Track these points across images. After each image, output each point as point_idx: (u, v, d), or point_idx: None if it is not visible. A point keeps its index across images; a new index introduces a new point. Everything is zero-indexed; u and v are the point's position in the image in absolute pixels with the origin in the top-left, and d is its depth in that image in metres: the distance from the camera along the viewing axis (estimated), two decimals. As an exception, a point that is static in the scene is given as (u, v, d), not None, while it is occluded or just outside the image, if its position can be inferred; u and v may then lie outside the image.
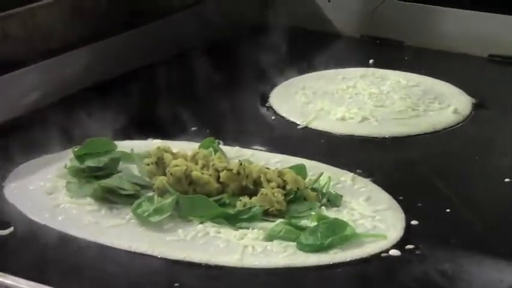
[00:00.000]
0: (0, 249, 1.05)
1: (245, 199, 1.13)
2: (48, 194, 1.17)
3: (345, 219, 1.11)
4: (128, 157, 1.23)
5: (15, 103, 1.39)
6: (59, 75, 1.46)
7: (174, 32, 1.72)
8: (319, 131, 1.43)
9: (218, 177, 1.16)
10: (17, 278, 0.95)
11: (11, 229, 1.08)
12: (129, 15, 1.65)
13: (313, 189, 1.17)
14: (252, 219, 1.10)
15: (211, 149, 1.24)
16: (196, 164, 1.17)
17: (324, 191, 1.17)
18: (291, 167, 1.20)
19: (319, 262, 1.04)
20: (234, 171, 1.14)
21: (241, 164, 1.15)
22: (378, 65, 1.72)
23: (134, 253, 1.05)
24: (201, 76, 1.61)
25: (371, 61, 1.74)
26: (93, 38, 1.55)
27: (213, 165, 1.16)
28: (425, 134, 1.43)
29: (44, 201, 1.15)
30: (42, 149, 1.28)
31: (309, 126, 1.44)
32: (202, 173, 1.14)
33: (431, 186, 1.25)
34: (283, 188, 1.15)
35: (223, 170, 1.15)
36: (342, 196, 1.17)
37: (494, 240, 1.12)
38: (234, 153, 1.28)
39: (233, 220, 1.10)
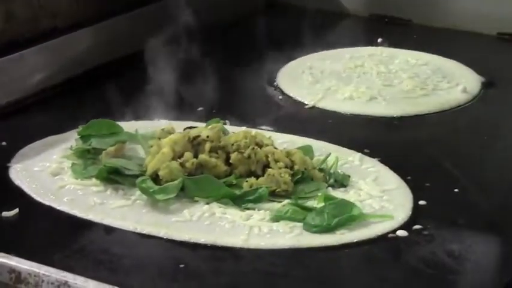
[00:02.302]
0: (5, 230, 1.05)
1: (252, 180, 1.12)
2: (54, 175, 1.16)
3: (352, 199, 1.10)
4: (134, 138, 1.22)
5: (20, 83, 1.38)
6: (64, 55, 1.45)
7: (181, 10, 1.71)
8: (327, 110, 1.42)
9: (226, 159, 1.15)
10: (21, 260, 0.95)
11: (16, 210, 1.07)
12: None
13: (320, 170, 1.16)
14: (258, 200, 1.09)
15: (219, 128, 1.22)
16: (199, 144, 1.16)
17: (332, 171, 1.17)
18: (298, 148, 1.19)
19: (326, 243, 1.04)
20: (245, 154, 1.14)
21: (253, 148, 1.14)
22: (386, 44, 1.70)
23: (140, 234, 1.05)
24: (208, 55, 1.59)
25: (379, 40, 1.72)
26: (100, 17, 1.54)
27: (223, 147, 1.15)
28: (433, 113, 1.42)
29: (49, 183, 1.14)
30: (48, 130, 1.27)
31: (317, 105, 1.43)
32: (210, 156, 1.14)
33: (440, 166, 1.24)
34: (291, 168, 1.14)
35: (234, 152, 1.14)
36: (349, 176, 1.16)
37: (502, 221, 1.11)
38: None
39: (239, 201, 1.10)
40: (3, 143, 1.25)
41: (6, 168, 1.18)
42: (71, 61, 1.46)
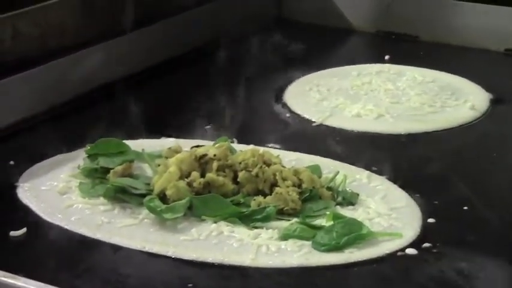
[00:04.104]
0: (13, 250, 1.05)
1: (260, 198, 1.12)
2: (61, 194, 1.16)
3: (360, 217, 1.10)
4: (141, 157, 1.22)
5: (27, 102, 1.38)
6: (71, 73, 1.45)
7: (187, 29, 1.71)
8: (334, 128, 1.42)
9: (234, 178, 1.14)
10: (29, 280, 0.94)
11: (24, 230, 1.07)
12: (142, 12, 1.64)
13: (328, 188, 1.16)
14: (266, 218, 1.09)
15: (227, 146, 1.21)
16: (206, 163, 1.15)
17: (340, 189, 1.16)
18: (306, 167, 1.18)
19: (335, 261, 1.03)
20: (253, 173, 1.13)
21: (261, 167, 1.13)
22: (394, 60, 1.70)
23: (147, 253, 1.04)
24: (214, 73, 1.60)
25: (387, 57, 1.72)
26: (106, 35, 1.54)
27: (230, 166, 1.15)
28: (441, 130, 1.42)
29: (57, 202, 1.14)
30: (55, 149, 1.27)
31: (324, 123, 1.43)
32: (218, 175, 1.13)
33: (448, 183, 1.23)
34: (299, 186, 1.14)
35: (242, 170, 1.14)
36: (358, 194, 1.16)
37: (512, 238, 1.10)
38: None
39: (247, 219, 1.09)
40: (11, 162, 1.25)
41: (14, 188, 1.18)
42: (78, 80, 1.46)
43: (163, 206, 1.09)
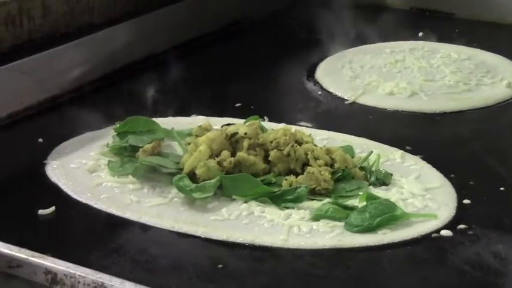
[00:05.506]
0: (42, 229, 1.04)
1: (291, 178, 1.10)
2: (90, 172, 1.15)
3: (394, 198, 1.08)
4: (170, 135, 1.21)
5: (57, 80, 1.37)
6: (101, 51, 1.44)
7: (218, 6, 1.69)
8: (367, 106, 1.40)
9: (265, 157, 1.13)
10: (57, 260, 0.93)
11: (53, 208, 1.06)
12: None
13: (361, 168, 1.14)
14: (297, 199, 1.07)
15: (257, 125, 1.19)
16: (237, 141, 1.14)
17: (373, 169, 1.14)
18: (338, 147, 1.16)
19: (368, 243, 1.01)
20: (285, 152, 1.11)
21: (292, 145, 1.11)
22: (428, 38, 1.68)
23: (177, 233, 1.03)
24: (246, 51, 1.58)
25: (420, 34, 1.70)
26: (136, 12, 1.53)
27: (262, 144, 1.13)
28: (477, 109, 1.39)
29: (86, 180, 1.13)
30: (84, 127, 1.26)
31: (357, 101, 1.41)
32: (249, 154, 1.11)
33: (484, 163, 1.21)
34: (331, 166, 1.12)
35: (273, 149, 1.12)
36: (391, 174, 1.14)
37: (550, 220, 1.08)
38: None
39: (278, 199, 1.07)
40: (40, 140, 1.24)
41: (43, 165, 1.17)
42: (108, 57, 1.45)
43: (193, 185, 1.08)
